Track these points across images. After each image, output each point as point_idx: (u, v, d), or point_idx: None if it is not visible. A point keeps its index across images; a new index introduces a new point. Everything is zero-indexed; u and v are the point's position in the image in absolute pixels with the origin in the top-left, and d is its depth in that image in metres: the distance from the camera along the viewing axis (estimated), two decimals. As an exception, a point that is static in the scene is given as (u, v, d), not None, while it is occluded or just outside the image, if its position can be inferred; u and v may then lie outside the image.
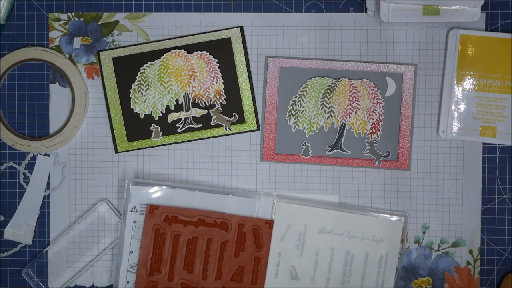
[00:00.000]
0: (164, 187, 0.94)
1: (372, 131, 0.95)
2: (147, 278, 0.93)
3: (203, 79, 0.95)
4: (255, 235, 0.93)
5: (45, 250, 0.96)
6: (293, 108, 0.95)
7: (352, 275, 0.93)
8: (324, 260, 0.93)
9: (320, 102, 0.95)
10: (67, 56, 0.96)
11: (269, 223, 0.93)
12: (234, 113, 0.95)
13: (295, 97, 0.95)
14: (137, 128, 0.96)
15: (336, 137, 0.95)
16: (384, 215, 0.93)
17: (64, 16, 0.96)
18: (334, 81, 0.94)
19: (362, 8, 0.95)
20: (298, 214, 0.93)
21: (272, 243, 0.94)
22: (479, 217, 0.95)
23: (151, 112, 0.95)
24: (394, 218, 0.93)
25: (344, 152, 0.95)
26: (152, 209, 0.93)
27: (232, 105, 0.95)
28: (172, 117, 0.95)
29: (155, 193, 0.93)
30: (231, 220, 0.93)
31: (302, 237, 0.94)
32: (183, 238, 0.93)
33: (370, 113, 0.95)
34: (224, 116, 0.95)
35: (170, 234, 0.93)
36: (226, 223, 0.93)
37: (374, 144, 0.95)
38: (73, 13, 0.96)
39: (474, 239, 0.95)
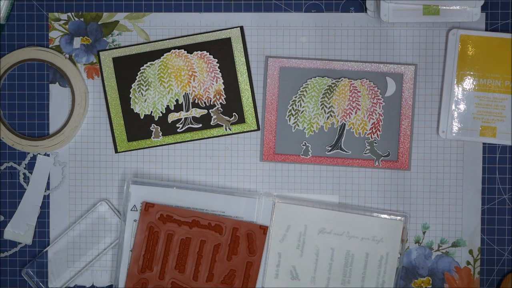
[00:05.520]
0: (164, 187, 0.94)
1: (372, 131, 0.95)
2: (138, 275, 0.93)
3: (203, 79, 0.95)
4: (248, 240, 0.93)
5: (45, 250, 0.96)
6: (293, 108, 0.95)
7: (352, 275, 0.93)
8: (324, 261, 0.93)
9: (320, 102, 0.95)
10: (67, 56, 0.96)
11: (264, 229, 0.93)
12: (234, 113, 0.95)
13: (295, 97, 0.95)
14: (137, 128, 0.96)
15: (336, 137, 0.95)
16: (384, 215, 0.93)
17: (64, 16, 0.96)
18: (334, 81, 0.94)
19: (362, 8, 0.95)
20: (298, 214, 0.93)
21: (272, 243, 0.94)
22: (479, 217, 0.95)
23: (151, 112, 0.95)
24: (394, 218, 0.93)
25: (344, 152, 0.95)
26: (148, 206, 0.93)
27: (232, 105, 0.95)
28: (172, 117, 0.95)
29: (155, 192, 0.93)
30: (226, 223, 0.93)
31: (302, 237, 0.94)
32: (176, 237, 0.93)
33: (370, 113, 0.95)
34: (224, 116, 0.95)
35: (164, 233, 0.93)
36: (220, 226, 0.93)
37: (374, 144, 0.95)
38: (73, 13, 0.96)
39: (474, 239, 0.95)
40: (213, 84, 0.95)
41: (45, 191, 0.96)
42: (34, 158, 0.96)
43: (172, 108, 0.95)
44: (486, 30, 0.94)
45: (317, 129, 0.95)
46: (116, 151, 0.96)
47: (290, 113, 0.95)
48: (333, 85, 0.94)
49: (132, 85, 0.95)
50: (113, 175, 0.96)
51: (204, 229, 0.93)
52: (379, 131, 0.95)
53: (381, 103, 0.95)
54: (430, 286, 0.95)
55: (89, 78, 0.96)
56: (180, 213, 0.93)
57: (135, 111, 0.95)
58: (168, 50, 0.95)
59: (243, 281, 0.93)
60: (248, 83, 0.95)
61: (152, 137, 0.96)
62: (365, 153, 0.95)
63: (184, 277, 0.93)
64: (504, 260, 0.95)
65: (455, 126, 0.94)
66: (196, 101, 0.95)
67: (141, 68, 0.95)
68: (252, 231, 0.93)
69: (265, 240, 0.93)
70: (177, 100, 0.95)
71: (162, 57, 0.95)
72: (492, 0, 0.94)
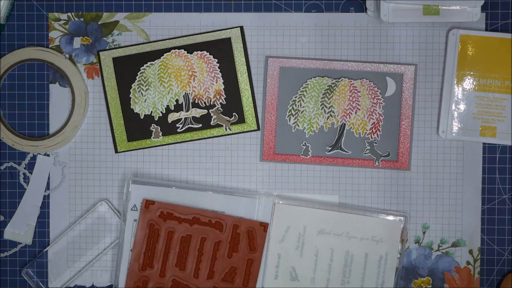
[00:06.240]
0: (164, 187, 0.94)
1: (372, 131, 0.95)
2: (139, 272, 0.93)
3: (203, 79, 0.95)
4: (249, 237, 0.93)
5: (45, 250, 0.96)
6: (293, 108, 0.95)
7: (352, 276, 0.93)
8: (323, 261, 0.93)
9: (320, 102, 0.95)
10: (67, 56, 0.96)
11: (264, 226, 0.93)
12: (234, 113, 0.95)
13: (295, 97, 0.95)
14: (137, 128, 0.96)
15: (336, 137, 0.95)
16: (384, 215, 0.93)
17: (64, 16, 0.96)
18: (334, 81, 0.94)
19: (362, 8, 0.95)
20: (297, 215, 0.93)
21: (272, 244, 0.94)
22: (479, 217, 0.95)
23: (151, 112, 0.95)
24: (393, 218, 0.93)
25: (344, 152, 0.95)
26: (148, 204, 0.93)
27: (232, 105, 0.95)
28: (172, 117, 0.95)
29: (155, 192, 0.93)
30: (226, 220, 0.93)
31: (301, 238, 0.94)
32: (177, 235, 0.93)
33: (370, 113, 0.95)
34: (224, 116, 0.95)
35: (165, 231, 0.93)
36: (220, 223, 0.93)
37: (374, 144, 0.95)
38: (73, 13, 0.96)
39: (474, 239, 0.95)
40: (213, 84, 0.95)
41: (45, 191, 0.96)
42: (34, 158, 0.96)
43: (172, 108, 0.95)
44: (486, 30, 0.94)
45: (317, 129, 0.95)
46: (116, 151, 0.96)
47: (290, 113, 0.95)
48: (333, 85, 0.94)
49: (132, 85, 0.95)
50: (113, 175, 0.96)
51: (204, 226, 0.93)
52: (379, 131, 0.95)
53: (381, 103, 0.95)
54: (430, 286, 0.95)
55: (89, 78, 0.96)
56: (180, 210, 0.93)
57: (135, 111, 0.95)
58: (168, 50, 0.95)
59: (243, 279, 0.93)
60: (248, 83, 0.95)
61: (152, 137, 0.96)
62: (365, 153, 0.95)
63: (185, 275, 0.93)
64: (504, 260, 0.95)
65: (455, 126, 0.94)
66: (196, 101, 0.95)
67: (141, 68, 0.95)
68: (253, 228, 0.93)
69: (265, 237, 0.93)
70: (177, 100, 0.95)
71: (162, 57, 0.95)
72: (492, 0, 0.94)
